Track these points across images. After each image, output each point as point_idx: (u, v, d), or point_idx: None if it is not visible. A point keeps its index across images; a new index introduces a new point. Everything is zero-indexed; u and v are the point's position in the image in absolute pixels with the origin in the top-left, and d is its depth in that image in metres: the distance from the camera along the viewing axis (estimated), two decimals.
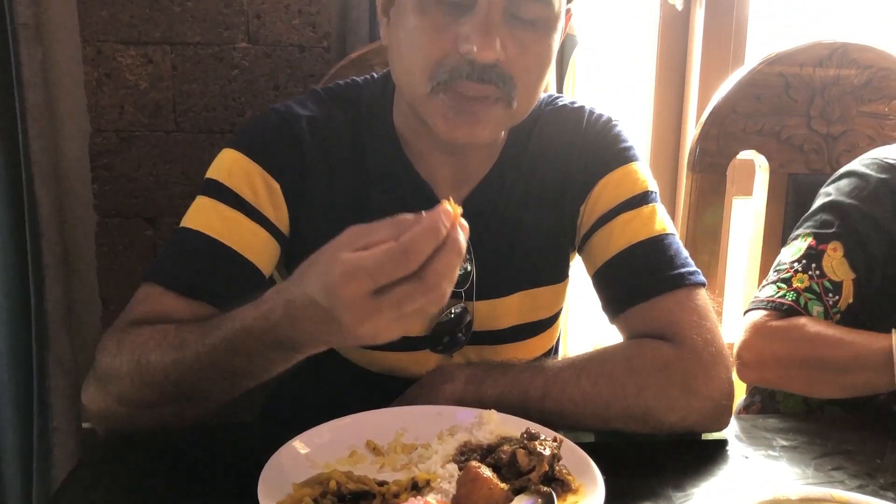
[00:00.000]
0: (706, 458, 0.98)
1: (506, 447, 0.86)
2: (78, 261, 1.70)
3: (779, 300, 1.22)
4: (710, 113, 1.55)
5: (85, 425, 1.78)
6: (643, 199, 1.12)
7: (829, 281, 1.22)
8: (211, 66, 1.62)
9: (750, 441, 1.02)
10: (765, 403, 1.46)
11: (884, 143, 1.46)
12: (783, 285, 1.23)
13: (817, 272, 1.23)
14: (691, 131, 2.03)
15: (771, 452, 0.99)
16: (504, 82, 0.98)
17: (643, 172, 1.15)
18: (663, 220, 1.12)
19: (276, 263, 1.12)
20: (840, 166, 1.46)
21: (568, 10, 1.06)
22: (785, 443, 1.02)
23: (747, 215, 1.67)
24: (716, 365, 1.02)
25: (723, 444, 1.02)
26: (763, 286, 1.26)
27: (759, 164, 1.60)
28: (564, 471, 0.85)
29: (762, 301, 1.23)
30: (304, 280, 0.80)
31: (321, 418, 0.94)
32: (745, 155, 1.61)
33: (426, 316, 0.85)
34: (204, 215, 1.05)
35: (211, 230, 1.04)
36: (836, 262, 1.23)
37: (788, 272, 1.24)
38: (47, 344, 1.66)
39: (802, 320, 1.19)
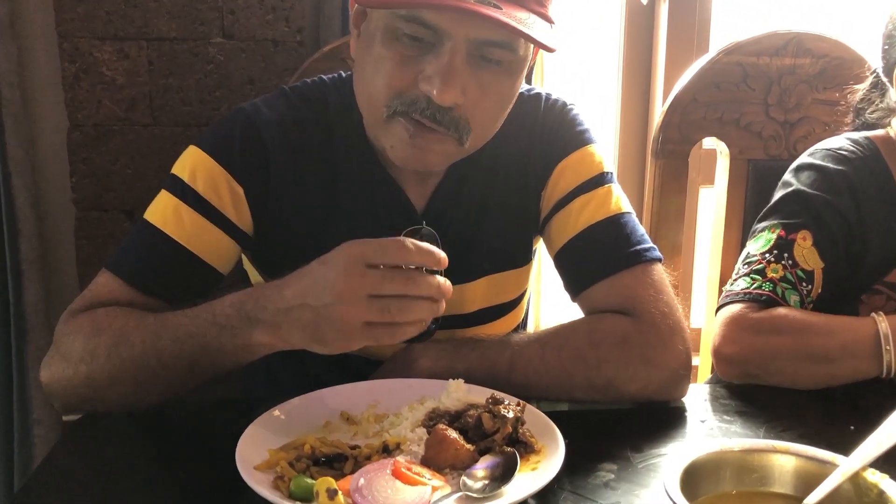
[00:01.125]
0: (664, 423, 1.03)
1: (472, 412, 0.90)
2: (57, 254, 1.72)
3: (756, 291, 1.20)
4: (672, 102, 1.61)
5: (66, 417, 1.80)
6: (599, 180, 1.16)
7: (802, 270, 1.22)
8: (186, 61, 1.66)
9: (705, 407, 1.08)
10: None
11: (837, 129, 1.52)
12: (757, 276, 1.22)
13: (790, 261, 1.22)
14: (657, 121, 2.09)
15: (726, 417, 1.05)
16: (457, 127, 1.00)
17: (599, 154, 1.18)
18: (619, 200, 1.16)
19: (240, 259, 1.17)
20: (797, 151, 1.51)
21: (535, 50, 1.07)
22: (740, 409, 1.07)
23: (710, 202, 1.73)
24: (673, 336, 1.07)
25: (679, 409, 1.07)
26: (734, 280, 1.25)
27: (719, 151, 1.66)
28: (528, 433, 0.90)
29: (737, 294, 1.21)
30: (307, 273, 0.92)
31: (298, 394, 0.99)
32: (707, 143, 1.66)
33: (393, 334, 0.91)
34: (168, 214, 1.09)
35: (173, 232, 1.08)
36: (806, 251, 1.23)
37: (761, 263, 1.23)
38: (27, 337, 1.68)
39: (783, 310, 1.18)
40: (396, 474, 0.80)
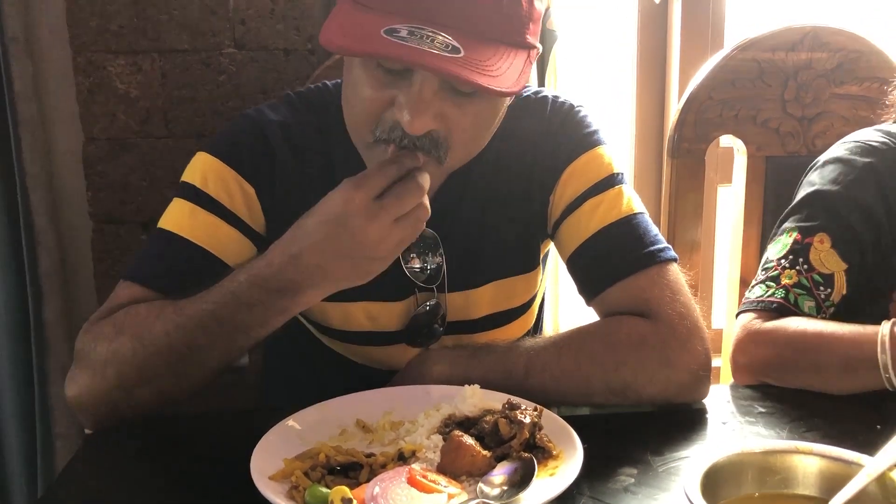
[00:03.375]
0: (685, 426, 1.02)
1: (488, 417, 0.89)
2: (75, 268, 1.73)
3: (768, 299, 1.18)
4: (687, 100, 1.59)
5: (87, 431, 1.81)
6: (609, 182, 1.13)
7: (819, 274, 1.19)
8: (199, 73, 1.66)
9: (728, 408, 1.06)
10: None
11: (857, 124, 1.49)
12: (772, 284, 1.20)
13: (805, 266, 1.19)
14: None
15: (748, 418, 1.03)
16: (436, 148, 0.98)
17: (608, 156, 1.16)
18: (631, 201, 1.14)
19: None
20: (816, 148, 1.49)
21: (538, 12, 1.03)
22: (762, 409, 1.05)
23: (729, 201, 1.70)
24: (691, 337, 1.05)
25: (702, 412, 1.05)
26: (752, 286, 1.23)
27: (736, 149, 1.64)
28: (545, 438, 0.88)
29: (752, 302, 1.20)
30: (309, 214, 0.96)
31: (313, 403, 0.98)
32: (723, 140, 1.64)
33: (419, 222, 0.96)
34: (182, 218, 1.09)
35: (189, 234, 1.08)
36: (824, 255, 1.20)
37: (776, 269, 1.21)
38: (48, 351, 1.69)
39: (788, 321, 1.15)
40: (412, 482, 0.79)
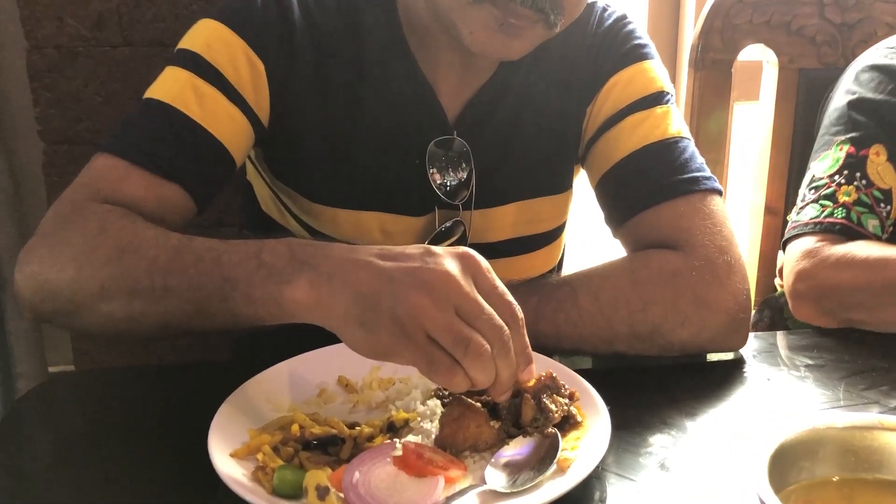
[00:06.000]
0: (721, 382, 0.87)
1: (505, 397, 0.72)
2: (28, 194, 1.56)
3: (828, 220, 1.06)
4: (713, 4, 1.40)
5: (52, 369, 1.68)
6: (656, 99, 1.02)
7: (879, 190, 1.08)
8: None
9: (770, 361, 0.92)
10: (774, 320, 1.35)
11: None
12: (827, 202, 1.08)
13: (864, 181, 1.08)
14: (690, 29, 1.88)
15: (794, 373, 0.89)
16: (555, 10, 0.87)
17: (658, 71, 1.05)
18: (678, 123, 1.01)
19: (248, 154, 1.01)
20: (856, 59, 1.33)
21: None
22: (809, 361, 0.91)
23: (751, 120, 1.54)
24: (731, 274, 0.91)
25: (739, 364, 0.91)
26: (800, 208, 1.12)
27: (766, 60, 1.46)
28: (575, 412, 0.73)
29: (807, 224, 1.08)
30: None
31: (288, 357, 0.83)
32: (752, 50, 1.46)
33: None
34: (177, 88, 0.92)
35: (184, 106, 0.90)
36: (881, 168, 1.09)
37: (830, 187, 1.09)
38: (3, 284, 1.54)
39: (861, 243, 1.04)
40: (400, 463, 0.64)
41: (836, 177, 1.09)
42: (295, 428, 0.70)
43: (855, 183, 1.08)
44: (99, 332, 0.82)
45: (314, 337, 0.83)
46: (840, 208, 1.06)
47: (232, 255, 0.74)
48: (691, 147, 1.01)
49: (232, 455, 0.68)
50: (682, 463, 0.72)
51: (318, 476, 0.62)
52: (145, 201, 0.86)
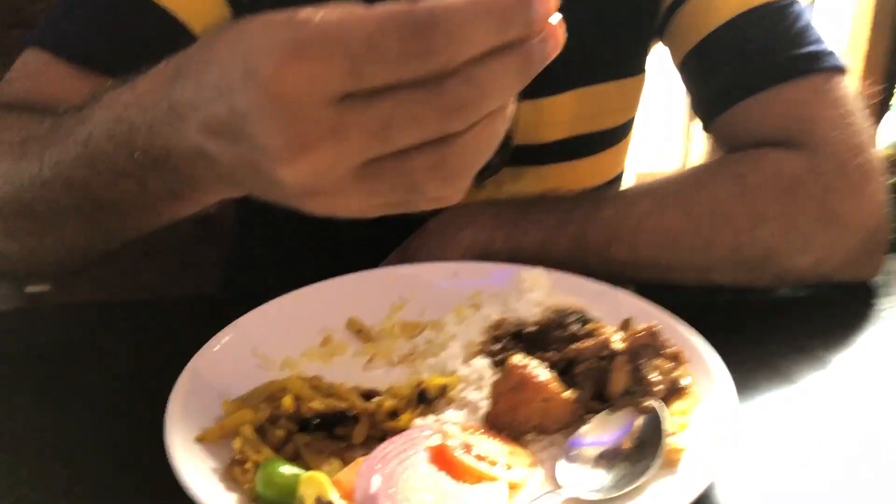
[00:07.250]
0: (858, 324, 0.66)
1: (586, 354, 0.52)
2: None
3: None
4: None
5: (29, 289, 1.51)
6: None
7: None
8: None
9: None
10: None
11: None
12: None
13: None
14: None
15: None
16: None
17: None
18: None
19: None
20: None
21: None
22: None
23: None
24: (868, 180, 0.70)
25: (876, 298, 0.69)
26: None
27: None
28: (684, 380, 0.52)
29: None
30: (212, 59, 0.42)
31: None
32: None
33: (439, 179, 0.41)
34: None
35: None
36: None
37: None
38: None
39: None
40: (438, 459, 0.44)
41: None
42: (288, 401, 0.50)
43: None
44: (13, 267, 0.66)
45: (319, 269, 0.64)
46: None
47: (119, 118, 0.51)
48: (804, 13, 0.78)
49: (199, 439, 0.48)
50: (813, 446, 0.51)
51: (316, 482, 0.42)
52: (70, 96, 0.64)
